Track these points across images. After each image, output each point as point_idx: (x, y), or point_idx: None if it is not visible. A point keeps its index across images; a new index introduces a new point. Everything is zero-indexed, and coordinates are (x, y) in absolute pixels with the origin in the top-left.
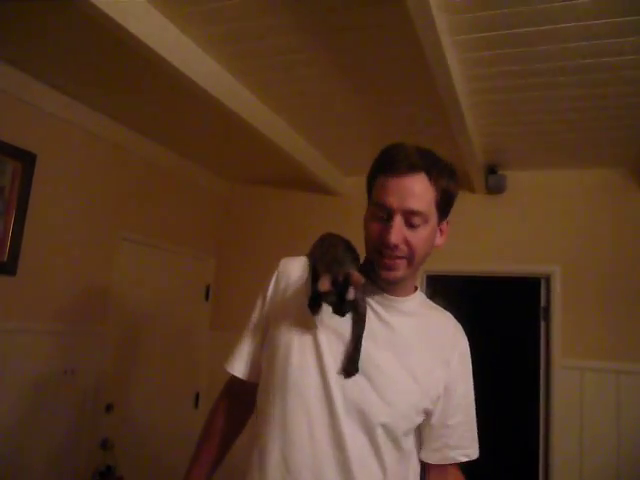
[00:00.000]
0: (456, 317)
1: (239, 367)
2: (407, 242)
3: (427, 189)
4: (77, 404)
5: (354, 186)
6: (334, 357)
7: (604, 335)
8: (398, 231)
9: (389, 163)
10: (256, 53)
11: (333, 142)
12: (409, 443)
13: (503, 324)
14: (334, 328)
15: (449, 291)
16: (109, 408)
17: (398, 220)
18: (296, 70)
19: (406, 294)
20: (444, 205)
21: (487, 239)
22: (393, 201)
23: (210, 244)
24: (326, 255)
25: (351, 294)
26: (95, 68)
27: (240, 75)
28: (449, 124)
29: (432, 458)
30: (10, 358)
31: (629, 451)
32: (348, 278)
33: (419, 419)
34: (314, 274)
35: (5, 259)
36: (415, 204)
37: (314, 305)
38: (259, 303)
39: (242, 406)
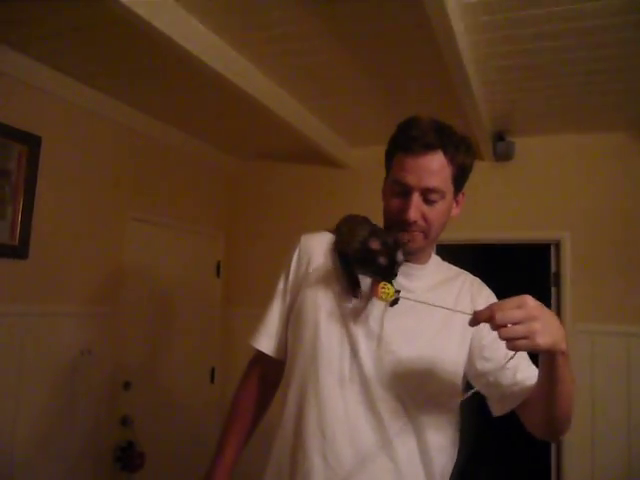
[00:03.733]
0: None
1: (266, 343)
2: (424, 217)
3: (444, 166)
4: (96, 384)
5: (361, 158)
6: (360, 325)
7: (614, 299)
8: (416, 208)
9: (406, 142)
10: (258, 26)
11: (339, 114)
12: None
13: (514, 291)
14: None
15: (459, 260)
16: (127, 386)
17: (416, 197)
18: (299, 42)
19: (424, 262)
20: (460, 179)
21: (496, 206)
22: (411, 179)
23: (219, 220)
24: (357, 228)
25: (400, 256)
26: (97, 48)
27: (243, 49)
28: (456, 92)
29: (504, 405)
30: (26, 342)
31: None
32: (398, 240)
33: (458, 375)
34: (347, 256)
35: (16, 243)
36: (432, 182)
37: (354, 287)
38: (282, 280)
39: (269, 385)
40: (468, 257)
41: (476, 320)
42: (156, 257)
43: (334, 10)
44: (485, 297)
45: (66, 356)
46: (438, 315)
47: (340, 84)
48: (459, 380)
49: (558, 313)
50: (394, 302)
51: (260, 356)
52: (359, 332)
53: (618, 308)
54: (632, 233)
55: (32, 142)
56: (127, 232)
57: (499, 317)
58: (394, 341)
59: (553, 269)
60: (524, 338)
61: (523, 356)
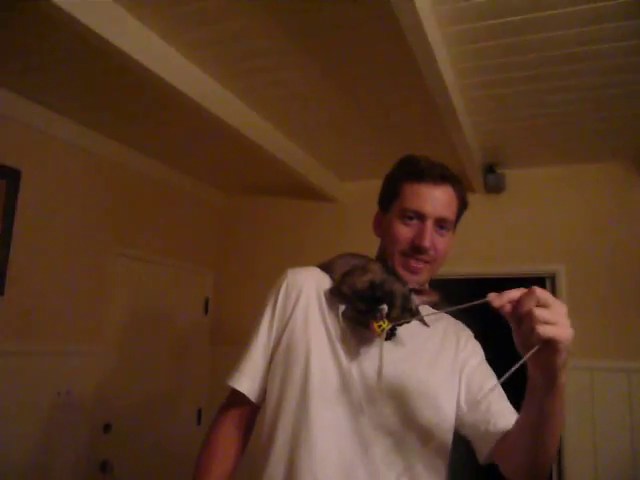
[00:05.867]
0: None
1: (248, 385)
2: (435, 247)
3: (453, 199)
4: (74, 426)
5: (351, 191)
6: (353, 360)
7: (613, 333)
8: (431, 236)
9: (419, 172)
10: (242, 57)
11: (327, 148)
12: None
13: (509, 326)
14: (350, 335)
15: (451, 295)
16: (107, 428)
17: (430, 226)
18: (284, 73)
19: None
20: (460, 215)
21: (488, 240)
22: (427, 208)
23: (208, 257)
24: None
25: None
26: (79, 81)
27: (227, 81)
28: (443, 122)
29: (487, 447)
30: (1, 381)
31: None
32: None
33: (449, 416)
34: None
35: None
36: (446, 212)
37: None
38: (267, 316)
39: (245, 433)
40: (460, 292)
41: (501, 299)
42: (143, 293)
43: (316, 41)
44: (466, 337)
45: (43, 397)
46: (430, 348)
47: (328, 118)
48: (449, 417)
49: None
50: (392, 335)
51: (239, 399)
52: (351, 367)
53: (617, 343)
54: (629, 265)
55: (11, 176)
56: (113, 268)
57: (540, 293)
58: (391, 375)
59: None
60: (552, 324)
61: (498, 392)
